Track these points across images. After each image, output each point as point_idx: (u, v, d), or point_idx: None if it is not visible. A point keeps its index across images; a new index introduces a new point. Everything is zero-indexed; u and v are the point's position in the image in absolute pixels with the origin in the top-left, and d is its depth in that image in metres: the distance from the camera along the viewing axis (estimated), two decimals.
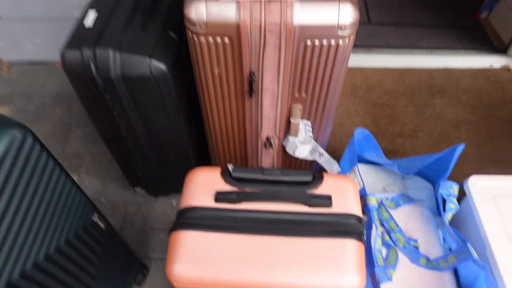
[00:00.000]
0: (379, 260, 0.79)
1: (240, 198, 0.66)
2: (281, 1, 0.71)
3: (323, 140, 0.99)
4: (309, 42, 0.75)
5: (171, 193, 1.22)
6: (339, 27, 0.73)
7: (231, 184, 0.68)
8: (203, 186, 0.69)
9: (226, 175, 0.70)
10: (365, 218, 0.70)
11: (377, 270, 0.77)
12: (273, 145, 0.97)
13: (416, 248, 0.88)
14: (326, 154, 0.97)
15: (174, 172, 1.07)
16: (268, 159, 1.02)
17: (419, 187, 1.06)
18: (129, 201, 1.24)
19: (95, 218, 0.79)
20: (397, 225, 0.90)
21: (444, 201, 0.90)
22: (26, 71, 1.71)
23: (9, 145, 0.54)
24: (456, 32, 1.82)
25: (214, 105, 0.88)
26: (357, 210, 0.67)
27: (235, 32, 0.73)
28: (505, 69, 1.65)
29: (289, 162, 1.05)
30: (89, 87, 0.83)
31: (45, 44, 1.63)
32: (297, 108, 0.88)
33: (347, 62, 0.82)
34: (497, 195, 0.93)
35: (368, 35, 1.81)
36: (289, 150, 0.96)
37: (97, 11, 0.85)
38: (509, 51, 1.68)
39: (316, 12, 0.72)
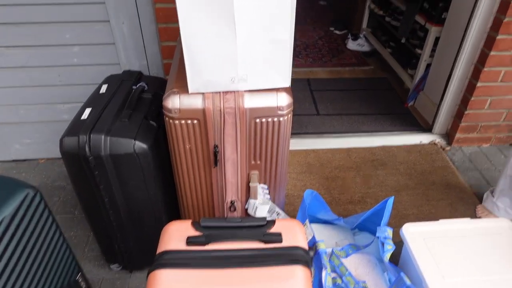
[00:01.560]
0: None
1: (207, 240, 0.80)
2: (234, 92, 0.97)
3: (279, 201, 1.18)
4: (258, 120, 1.00)
5: (146, 266, 1.31)
6: (278, 108, 0.98)
7: (200, 231, 0.84)
8: (176, 234, 0.83)
9: (196, 224, 0.85)
10: (311, 253, 0.85)
11: None
12: (237, 208, 1.14)
13: None
14: (282, 213, 1.14)
15: (149, 241, 1.19)
16: None
17: (367, 241, 1.23)
18: (104, 278, 1.31)
19: (79, 278, 0.89)
20: (347, 269, 1.04)
21: (383, 244, 1.06)
22: (10, 168, 1.85)
23: (23, 199, 0.70)
24: (390, 118, 2.19)
25: (186, 175, 1.07)
26: (303, 244, 0.83)
27: (201, 115, 0.97)
28: (432, 143, 1.98)
29: None
30: (81, 166, 1.01)
31: (32, 144, 1.82)
32: (255, 173, 1.09)
33: (289, 135, 1.06)
34: (427, 237, 1.11)
35: (318, 124, 2.14)
36: (250, 211, 1.13)
37: (92, 108, 1.08)
38: (433, 130, 2.03)
39: (261, 98, 0.98)
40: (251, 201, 1.12)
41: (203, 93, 0.96)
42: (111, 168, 1.02)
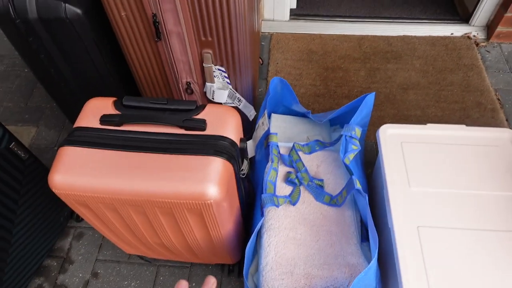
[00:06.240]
0: (268, 189, 0.84)
1: (121, 120, 0.72)
2: None
3: (243, 87, 1.04)
4: None
5: None
6: None
7: (119, 110, 0.75)
8: (94, 111, 0.75)
9: (117, 103, 0.76)
10: (243, 145, 0.74)
11: (263, 196, 0.82)
12: (194, 91, 1.03)
13: (321, 186, 0.93)
14: (243, 100, 1.02)
15: None
16: None
17: None
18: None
19: (13, 146, 0.86)
20: (304, 165, 0.95)
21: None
22: (1, 35, 1.80)
23: None
24: (423, 2, 1.81)
25: (131, 47, 0.94)
26: (232, 135, 0.72)
27: None
28: (465, 37, 1.64)
29: None
30: (13, 29, 0.91)
31: None
32: (208, 53, 0.93)
33: (246, 4, 0.86)
34: (405, 141, 0.97)
35: (333, 5, 1.82)
36: (208, 95, 1.01)
37: None
38: (471, 21, 1.66)
39: None
40: (208, 84, 0.99)
41: None
42: (45, 35, 0.91)
